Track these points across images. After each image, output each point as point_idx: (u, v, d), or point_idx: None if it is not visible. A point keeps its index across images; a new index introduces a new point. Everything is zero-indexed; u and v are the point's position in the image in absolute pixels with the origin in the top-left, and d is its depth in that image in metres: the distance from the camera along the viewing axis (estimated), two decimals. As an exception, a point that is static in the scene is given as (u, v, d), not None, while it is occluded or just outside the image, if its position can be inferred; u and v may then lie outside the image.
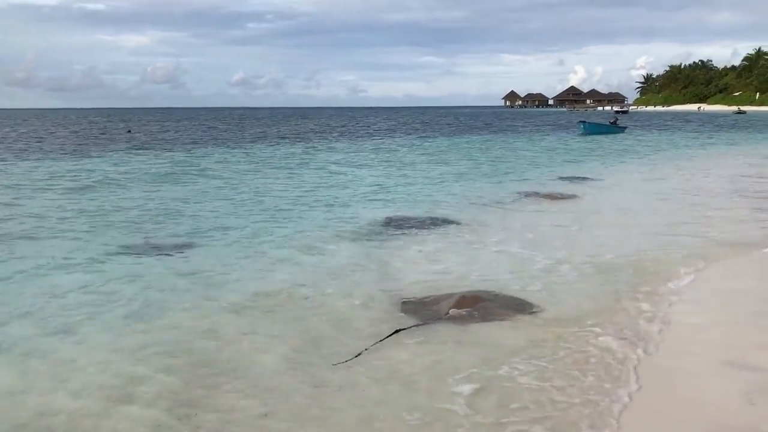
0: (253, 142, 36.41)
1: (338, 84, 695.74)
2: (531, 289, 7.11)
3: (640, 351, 5.30)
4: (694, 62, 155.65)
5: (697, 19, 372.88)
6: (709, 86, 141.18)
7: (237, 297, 6.85)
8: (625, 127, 45.08)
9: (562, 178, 17.70)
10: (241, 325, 6.06)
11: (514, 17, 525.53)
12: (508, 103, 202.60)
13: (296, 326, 6.01)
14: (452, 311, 6.23)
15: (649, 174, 19.30)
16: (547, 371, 4.94)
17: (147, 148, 30.63)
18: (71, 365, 5.15)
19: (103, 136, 42.79)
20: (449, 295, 6.68)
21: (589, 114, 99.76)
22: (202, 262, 8.41)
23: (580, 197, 13.99)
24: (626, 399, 4.47)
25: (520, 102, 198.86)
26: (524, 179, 17.81)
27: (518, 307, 6.43)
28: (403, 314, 6.31)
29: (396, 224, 10.87)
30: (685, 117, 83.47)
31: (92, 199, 13.94)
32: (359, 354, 5.29)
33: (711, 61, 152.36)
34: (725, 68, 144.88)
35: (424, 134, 45.20)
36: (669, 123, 64.66)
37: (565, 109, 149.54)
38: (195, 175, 18.96)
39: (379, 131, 49.90)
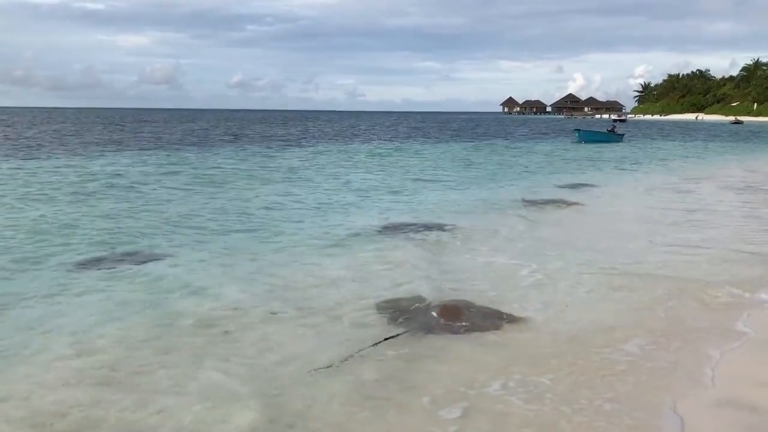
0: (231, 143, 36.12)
1: (337, 88, 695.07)
2: (516, 297, 6.81)
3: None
4: (692, 72, 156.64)
5: (696, 28, 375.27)
6: (707, 96, 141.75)
7: (203, 310, 6.38)
8: (623, 135, 44.72)
9: (558, 186, 17.43)
10: (200, 343, 5.65)
11: (513, 24, 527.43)
12: (506, 110, 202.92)
13: (270, 337, 5.65)
14: (437, 321, 5.90)
15: (645, 182, 19.01)
16: (539, 388, 4.59)
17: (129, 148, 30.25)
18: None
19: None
20: (435, 305, 6.36)
21: (587, 122, 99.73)
22: (161, 280, 7.46)
23: (576, 205, 13.71)
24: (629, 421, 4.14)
25: (518, 108, 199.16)
26: (520, 186, 17.50)
27: (502, 317, 6.12)
28: (385, 324, 5.96)
29: (390, 231, 10.54)
30: (684, 126, 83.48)
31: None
32: (330, 366, 4.96)
33: (709, 70, 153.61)
34: (723, 78, 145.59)
35: (420, 139, 44.92)
36: (668, 132, 64.58)
37: (562, 117, 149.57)
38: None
39: (376, 135, 49.65)
